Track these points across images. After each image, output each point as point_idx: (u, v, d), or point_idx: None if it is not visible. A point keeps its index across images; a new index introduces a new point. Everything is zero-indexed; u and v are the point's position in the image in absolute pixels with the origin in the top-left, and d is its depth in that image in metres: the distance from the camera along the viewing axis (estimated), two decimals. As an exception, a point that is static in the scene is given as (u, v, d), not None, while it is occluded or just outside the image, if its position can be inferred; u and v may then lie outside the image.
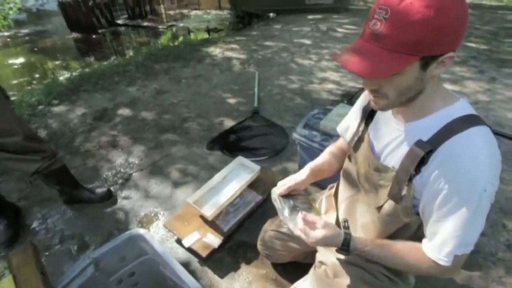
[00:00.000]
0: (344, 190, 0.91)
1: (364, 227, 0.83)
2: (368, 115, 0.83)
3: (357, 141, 0.85)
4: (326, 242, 0.75)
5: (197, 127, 2.45)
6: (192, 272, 1.37)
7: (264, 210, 1.59)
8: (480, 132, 0.61)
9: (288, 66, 3.58)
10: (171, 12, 9.05)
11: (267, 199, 1.56)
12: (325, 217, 1.00)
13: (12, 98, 2.88)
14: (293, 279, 1.12)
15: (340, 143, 1.04)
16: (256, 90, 2.92)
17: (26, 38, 7.35)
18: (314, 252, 1.05)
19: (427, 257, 0.68)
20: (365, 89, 0.74)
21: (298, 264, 1.23)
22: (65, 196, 1.73)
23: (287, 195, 0.93)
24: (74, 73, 3.93)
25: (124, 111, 2.73)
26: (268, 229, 1.20)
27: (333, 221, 0.95)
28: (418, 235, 0.76)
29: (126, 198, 1.81)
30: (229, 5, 7.90)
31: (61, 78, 3.84)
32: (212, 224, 1.46)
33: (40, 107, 2.85)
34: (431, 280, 1.29)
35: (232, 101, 2.84)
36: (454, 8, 0.53)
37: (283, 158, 2.07)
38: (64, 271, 0.95)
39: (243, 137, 2.29)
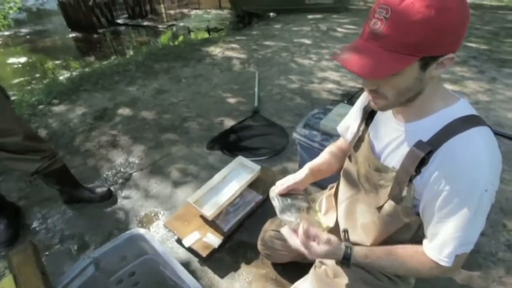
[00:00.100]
0: (344, 190, 0.90)
1: (364, 227, 0.83)
2: (369, 115, 0.83)
3: (358, 141, 0.85)
4: (327, 256, 0.75)
5: (197, 127, 2.45)
6: (192, 272, 1.37)
7: (264, 210, 1.59)
8: (480, 132, 0.61)
9: (288, 66, 3.58)
10: (171, 12, 9.05)
11: (267, 199, 1.55)
12: (325, 218, 1.00)
13: (12, 98, 2.88)
14: (293, 279, 1.12)
15: (340, 143, 1.04)
16: (256, 89, 2.92)
17: (26, 37, 7.36)
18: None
19: (428, 259, 0.68)
20: (365, 90, 0.74)
21: (298, 264, 1.23)
22: (65, 196, 1.73)
23: (286, 194, 0.93)
24: (74, 73, 3.93)
25: (124, 111, 2.73)
26: (268, 229, 1.20)
27: (333, 220, 0.95)
28: (418, 235, 0.76)
29: (126, 197, 1.81)
30: (229, 5, 7.90)
31: (61, 77, 3.83)
32: (212, 224, 1.46)
33: (40, 106, 2.85)
34: (431, 280, 1.28)
35: (232, 100, 2.84)
36: (455, 8, 0.53)
37: (283, 158, 2.07)
38: (64, 271, 0.95)
39: (243, 137, 2.29)
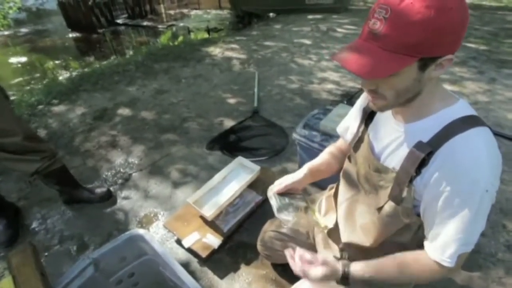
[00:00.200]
0: (344, 191, 0.90)
1: (363, 227, 0.83)
2: (368, 116, 0.83)
3: (357, 142, 0.85)
4: (326, 278, 0.75)
5: (197, 127, 2.45)
6: (192, 273, 1.36)
7: (264, 211, 1.58)
8: (480, 132, 0.61)
9: (288, 66, 3.58)
10: (171, 12, 9.06)
11: (267, 199, 1.55)
12: (325, 218, 1.00)
13: (12, 98, 2.87)
14: (293, 279, 1.11)
15: (339, 143, 1.04)
16: (256, 90, 2.92)
17: (26, 37, 7.35)
18: (314, 252, 1.05)
19: (429, 262, 0.68)
20: (364, 90, 0.74)
21: (298, 264, 1.23)
22: (64, 196, 1.73)
23: (284, 194, 0.93)
24: (73, 73, 3.93)
25: (124, 111, 2.73)
26: (268, 229, 1.20)
27: (333, 221, 0.95)
28: (418, 236, 0.76)
29: (125, 198, 1.81)
30: (229, 5, 7.90)
31: (60, 77, 3.83)
32: (212, 224, 1.46)
33: (40, 106, 2.84)
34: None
35: (232, 101, 2.84)
36: (454, 9, 0.53)
37: (283, 158, 2.07)
38: (63, 272, 0.95)
39: (243, 137, 2.29)
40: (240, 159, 1.75)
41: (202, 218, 1.48)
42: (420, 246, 0.71)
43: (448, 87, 2.70)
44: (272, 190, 0.95)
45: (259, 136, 2.29)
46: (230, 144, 2.22)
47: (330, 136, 1.55)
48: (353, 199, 0.86)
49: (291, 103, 2.76)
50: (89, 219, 1.68)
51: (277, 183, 0.96)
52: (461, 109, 0.64)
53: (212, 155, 2.13)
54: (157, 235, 1.57)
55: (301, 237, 1.10)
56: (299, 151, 1.76)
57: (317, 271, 0.74)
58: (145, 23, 7.84)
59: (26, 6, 10.13)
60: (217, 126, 2.45)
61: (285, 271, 1.33)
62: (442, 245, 0.65)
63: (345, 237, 0.89)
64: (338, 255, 0.93)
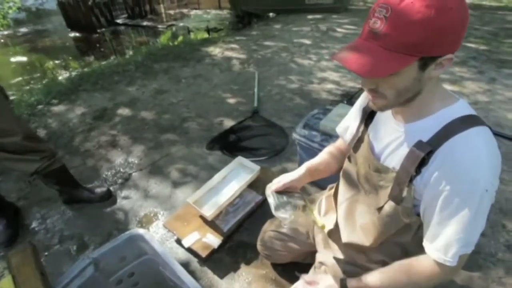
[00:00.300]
0: (344, 190, 0.90)
1: (363, 227, 0.83)
2: (368, 116, 0.83)
3: (357, 142, 0.85)
4: None
5: (196, 127, 2.45)
6: (192, 272, 1.36)
7: (264, 210, 1.58)
8: (480, 132, 0.61)
9: (288, 66, 3.58)
10: (171, 12, 9.06)
11: (267, 199, 1.56)
12: (324, 219, 1.00)
13: (12, 98, 2.87)
14: (293, 279, 1.11)
15: (339, 143, 1.04)
16: (256, 90, 2.92)
17: (26, 37, 7.35)
18: (314, 252, 1.05)
19: (429, 265, 0.68)
20: (364, 90, 0.74)
21: (298, 264, 1.23)
22: (64, 196, 1.72)
23: (282, 192, 0.93)
24: (73, 73, 3.92)
25: (124, 111, 2.73)
26: (268, 229, 1.20)
27: (332, 222, 0.95)
28: (418, 236, 0.76)
29: (125, 198, 1.80)
30: (229, 5, 7.90)
31: (60, 77, 3.83)
32: (212, 224, 1.46)
33: (40, 106, 2.84)
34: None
35: (231, 101, 2.84)
36: (455, 9, 0.53)
37: (282, 158, 2.07)
38: (63, 271, 0.95)
39: (243, 137, 2.29)
40: (240, 159, 1.75)
41: (202, 218, 1.48)
42: (420, 246, 0.71)
43: (448, 87, 2.70)
44: (271, 188, 0.95)
45: (259, 136, 2.29)
46: (230, 144, 2.22)
47: (330, 136, 1.55)
48: (353, 199, 0.86)
49: (291, 103, 2.76)
50: (89, 219, 1.68)
51: (275, 181, 0.96)
52: (461, 109, 0.64)
53: (212, 155, 2.13)
54: (157, 234, 1.57)
55: (301, 237, 1.10)
56: (299, 151, 1.76)
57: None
58: (145, 23, 7.84)
59: (25, 6, 10.12)
60: (217, 126, 2.45)
61: (285, 271, 1.33)
62: (443, 245, 0.64)
63: (345, 237, 0.89)
64: (338, 255, 0.93)
